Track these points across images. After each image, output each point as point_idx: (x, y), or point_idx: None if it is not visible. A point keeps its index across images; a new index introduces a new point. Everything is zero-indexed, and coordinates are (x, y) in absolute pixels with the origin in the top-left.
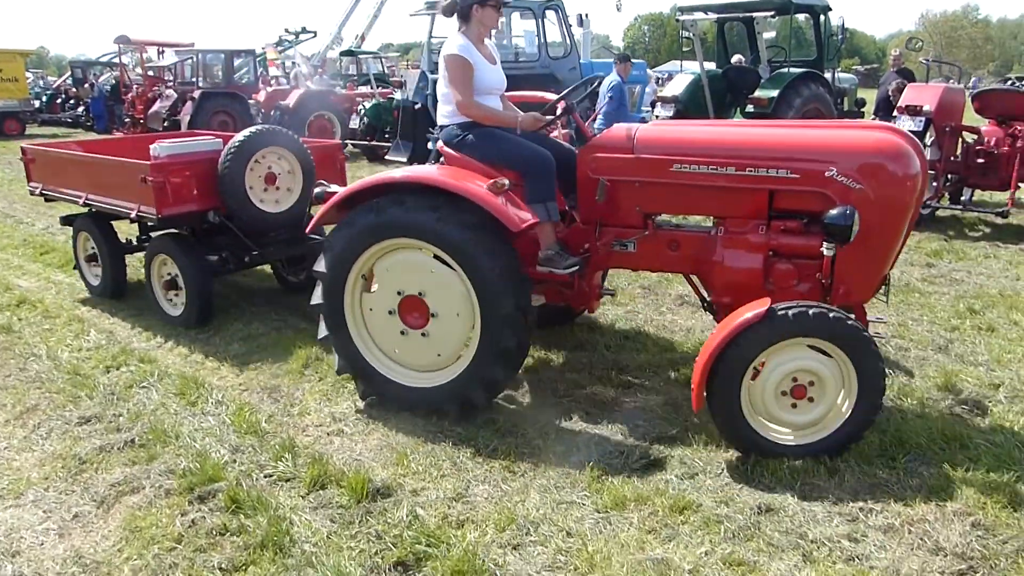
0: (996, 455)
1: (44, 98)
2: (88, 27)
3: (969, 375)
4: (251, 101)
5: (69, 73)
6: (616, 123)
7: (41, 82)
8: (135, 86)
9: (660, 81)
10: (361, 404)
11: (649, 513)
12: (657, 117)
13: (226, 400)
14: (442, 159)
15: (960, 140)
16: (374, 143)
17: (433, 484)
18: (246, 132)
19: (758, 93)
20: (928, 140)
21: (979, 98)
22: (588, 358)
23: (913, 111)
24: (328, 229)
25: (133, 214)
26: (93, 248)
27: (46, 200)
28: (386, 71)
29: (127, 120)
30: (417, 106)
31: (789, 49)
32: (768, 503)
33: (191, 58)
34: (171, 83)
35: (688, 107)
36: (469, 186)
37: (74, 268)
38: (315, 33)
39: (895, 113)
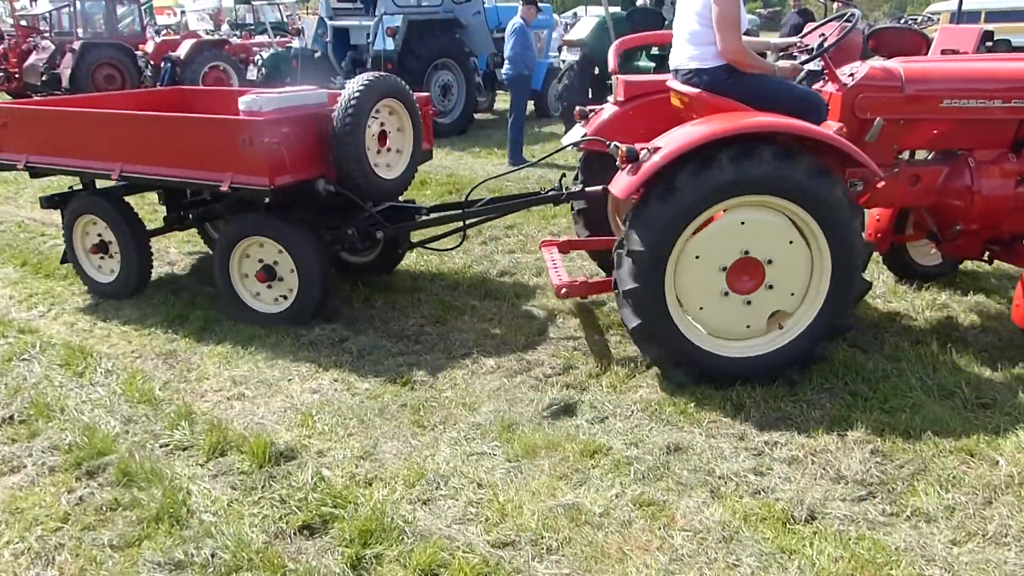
0: (894, 384)
1: None
2: None
3: (867, 306)
4: (138, 52)
5: None
6: (521, 67)
7: None
8: (7, 37)
9: (567, 26)
10: (263, 366)
11: (560, 459)
12: (564, 62)
13: (117, 369)
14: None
15: None
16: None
17: (339, 444)
18: (365, 79)
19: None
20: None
21: (875, 37)
22: (498, 307)
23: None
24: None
25: (225, 186)
26: (100, 235)
27: (32, 176)
28: (284, 19)
29: (0, 74)
30: (317, 54)
31: None
32: (677, 442)
33: (68, 6)
34: (47, 33)
35: (594, 50)
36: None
37: (63, 262)
38: None
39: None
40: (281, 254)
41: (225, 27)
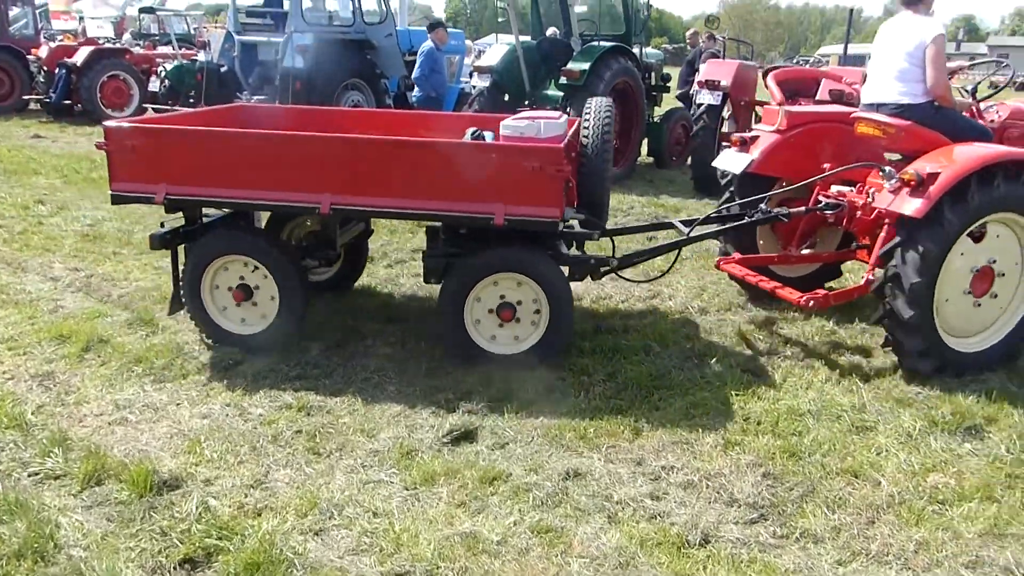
0: (785, 408)
1: None
2: None
3: (761, 332)
4: (30, 57)
5: None
6: (429, 90)
7: None
8: None
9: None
10: (150, 389)
11: (459, 486)
12: (475, 87)
13: None
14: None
15: (754, 114)
16: (176, 107)
17: (229, 472)
18: (602, 102)
19: (571, 66)
20: (726, 113)
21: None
22: (402, 332)
23: (712, 85)
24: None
25: (498, 218)
26: (243, 278)
27: (171, 210)
28: (191, 31)
29: None
30: (223, 68)
31: (600, 23)
32: (576, 467)
33: None
34: None
35: (504, 77)
36: None
37: (172, 312)
38: None
39: (695, 88)
40: (527, 290)
41: (127, 36)
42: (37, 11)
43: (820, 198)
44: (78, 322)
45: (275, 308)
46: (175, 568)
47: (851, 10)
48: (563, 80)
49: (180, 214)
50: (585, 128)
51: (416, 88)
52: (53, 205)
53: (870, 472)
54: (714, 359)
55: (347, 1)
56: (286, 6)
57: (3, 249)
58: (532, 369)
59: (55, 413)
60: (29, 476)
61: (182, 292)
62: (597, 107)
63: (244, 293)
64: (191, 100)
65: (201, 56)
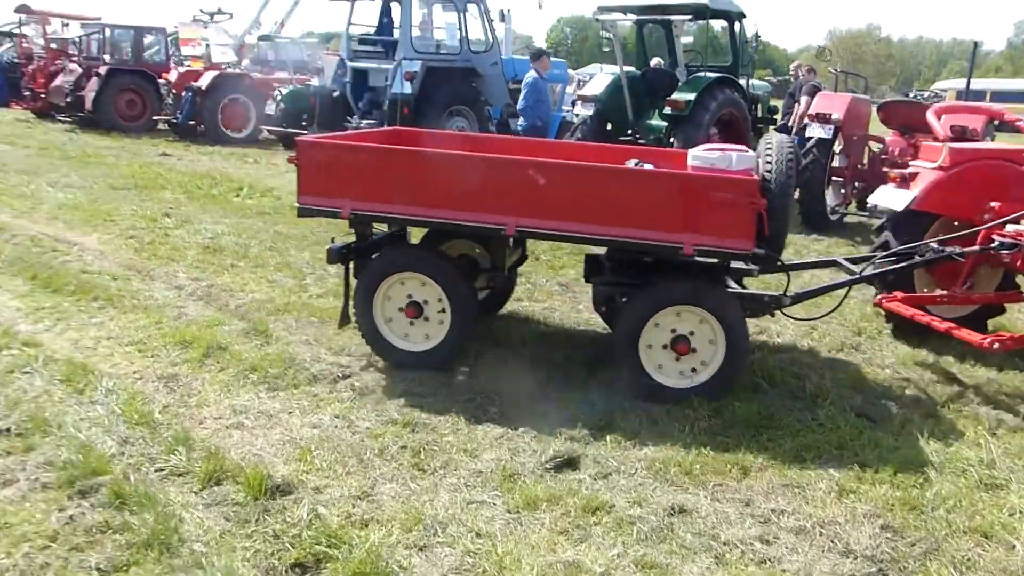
0: (904, 457)
1: None
2: None
3: (875, 376)
4: (161, 81)
5: None
6: (535, 119)
7: None
8: (36, 59)
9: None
10: (264, 396)
11: (561, 513)
12: (577, 116)
13: (117, 388)
14: None
15: (867, 149)
16: (289, 130)
17: (337, 482)
18: (784, 140)
19: (675, 96)
20: (837, 148)
21: (884, 109)
22: (503, 354)
23: (823, 119)
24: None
25: (687, 248)
26: (412, 295)
27: (353, 226)
28: (305, 58)
29: (27, 94)
30: (335, 93)
31: (705, 54)
32: (681, 504)
33: (98, 32)
34: (75, 57)
35: (607, 107)
36: None
37: (342, 325)
38: (231, 15)
39: (805, 121)
40: (703, 324)
41: (246, 62)
42: (168, 38)
43: (995, 238)
44: (199, 329)
45: (446, 326)
46: (287, 571)
47: (975, 43)
48: (667, 110)
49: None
50: (768, 163)
51: (522, 118)
52: (178, 218)
53: (1002, 534)
54: (827, 400)
55: (454, 30)
56: (396, 35)
57: (134, 258)
58: (634, 399)
59: (179, 414)
60: (155, 471)
61: (352, 307)
62: (779, 144)
63: (415, 310)
64: (303, 123)
65: (315, 81)
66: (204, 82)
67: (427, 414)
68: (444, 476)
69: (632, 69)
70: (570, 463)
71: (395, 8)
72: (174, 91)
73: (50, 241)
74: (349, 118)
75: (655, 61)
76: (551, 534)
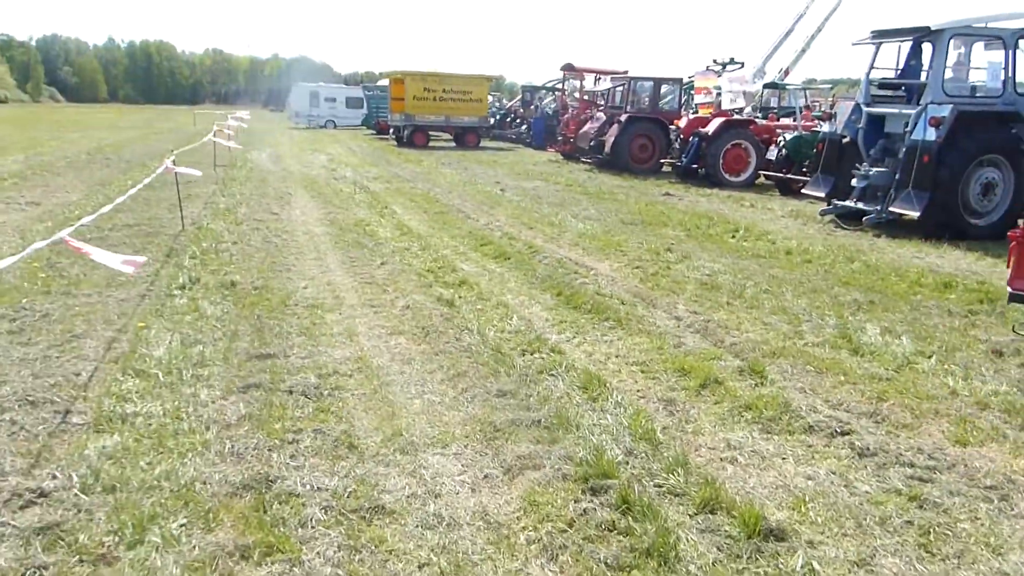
0: None
1: (497, 116)
2: (540, 57)
3: None
4: (672, 127)
5: (520, 96)
6: None
7: (497, 104)
8: (571, 109)
9: None
10: (757, 436)
11: None
12: None
13: (624, 403)
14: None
15: None
16: (789, 176)
17: (832, 540)
18: None
19: None
20: None
21: None
22: None
23: None
24: None
25: None
26: None
27: None
28: (809, 104)
29: (560, 138)
30: (846, 139)
31: None
32: None
33: (623, 85)
34: (603, 107)
35: None
36: None
37: None
38: (742, 64)
39: None
40: None
41: (748, 108)
42: (683, 87)
43: None
44: (696, 360)
45: None
46: None
47: None
48: None
49: None
50: None
51: None
52: (678, 253)
53: None
54: None
55: (998, 69)
56: (924, 77)
57: (640, 286)
58: None
59: (677, 437)
60: (655, 486)
61: None
62: None
63: None
64: (804, 170)
65: (825, 127)
66: (711, 128)
67: (939, 492)
68: (958, 567)
69: None
70: None
71: (925, 49)
72: (682, 136)
73: (572, 264)
74: (858, 165)
75: None
76: None
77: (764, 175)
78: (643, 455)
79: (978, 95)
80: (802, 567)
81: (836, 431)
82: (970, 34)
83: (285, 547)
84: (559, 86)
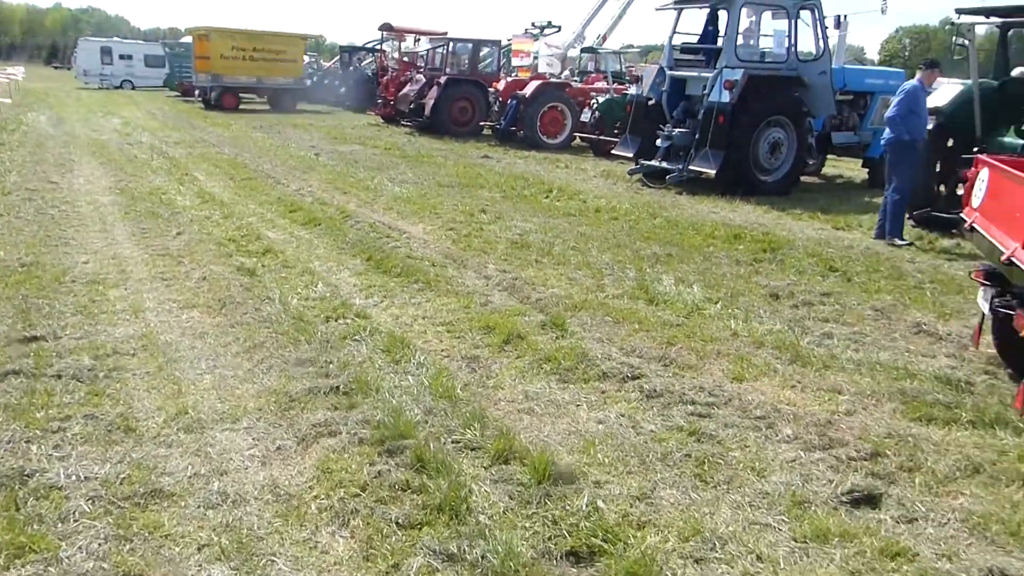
0: None
1: (314, 78)
2: (363, 17)
3: None
4: (491, 89)
5: (338, 58)
6: (903, 132)
7: (315, 65)
8: (391, 71)
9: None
10: (555, 387)
11: (855, 552)
12: None
13: (427, 363)
14: None
15: None
16: (601, 137)
17: (617, 479)
18: None
19: None
20: None
21: None
22: (803, 375)
23: None
24: None
25: None
26: None
27: None
28: (623, 70)
29: (379, 101)
30: (651, 102)
31: None
32: (1002, 567)
33: (443, 46)
34: (422, 69)
35: (952, 120)
36: None
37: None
38: (560, 28)
39: None
40: None
41: (566, 72)
42: (502, 50)
43: None
44: (502, 317)
45: None
46: (562, 557)
47: None
48: None
49: None
50: None
51: (888, 128)
52: (492, 215)
53: None
54: None
55: (783, 36)
56: (720, 43)
57: (452, 248)
58: (953, 442)
59: (477, 392)
60: (452, 442)
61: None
62: None
63: None
64: (615, 131)
65: (632, 90)
66: (528, 90)
67: (715, 425)
68: (728, 492)
69: (987, 80)
70: (870, 500)
71: (721, 16)
72: (501, 99)
73: (384, 228)
74: (662, 127)
75: (1018, 71)
76: (841, 572)
77: (580, 137)
78: (442, 413)
79: (767, 60)
80: (587, 505)
81: (628, 376)
82: (759, 3)
83: (39, 546)
84: (379, 47)
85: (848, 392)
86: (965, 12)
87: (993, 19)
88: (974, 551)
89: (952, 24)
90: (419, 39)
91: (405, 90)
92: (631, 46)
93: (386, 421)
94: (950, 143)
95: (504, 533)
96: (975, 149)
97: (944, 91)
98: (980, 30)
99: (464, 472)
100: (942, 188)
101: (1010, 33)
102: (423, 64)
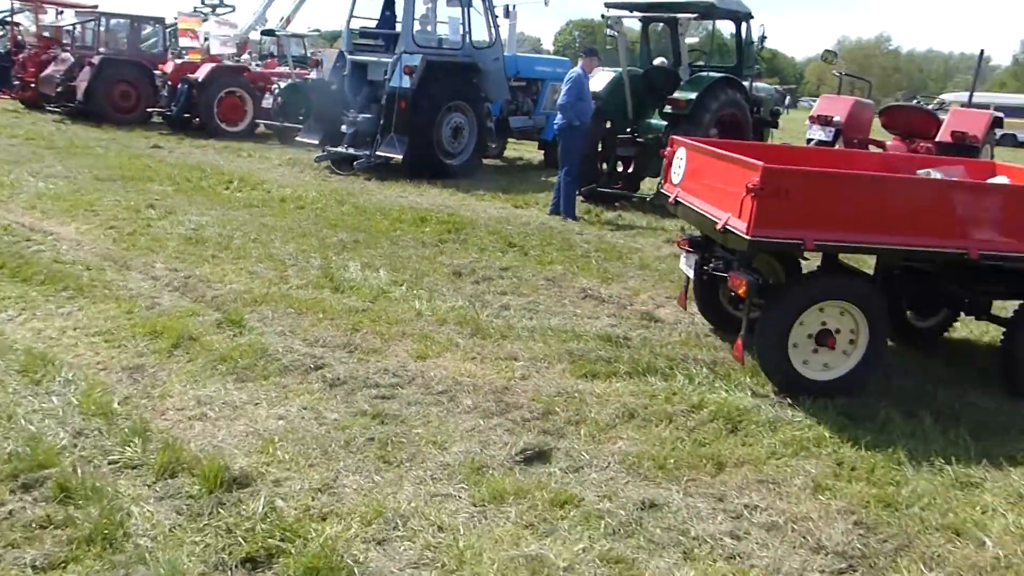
0: (882, 455)
1: None
2: None
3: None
4: (157, 72)
5: None
6: (572, 117)
7: None
8: (28, 47)
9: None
10: (231, 387)
11: (528, 507)
12: None
13: (77, 379)
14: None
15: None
16: (285, 124)
17: (298, 474)
18: None
19: (677, 95)
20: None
21: (886, 114)
22: (482, 347)
23: (824, 121)
24: None
25: None
26: (825, 323)
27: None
28: (307, 54)
29: (16, 83)
30: (333, 87)
31: (711, 55)
32: (652, 498)
33: (94, 21)
34: (68, 46)
35: (608, 104)
36: None
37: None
38: (233, 8)
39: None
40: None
41: (245, 56)
42: (167, 29)
43: None
44: (171, 319)
45: (859, 355)
46: (236, 566)
47: (981, 51)
48: (668, 109)
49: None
50: None
51: (559, 115)
52: (162, 209)
53: (974, 531)
54: (809, 397)
55: (457, 25)
56: (398, 28)
57: (112, 248)
58: (613, 392)
59: (140, 405)
60: (109, 464)
61: (757, 334)
62: None
63: (827, 338)
64: (300, 118)
65: (313, 75)
66: (201, 74)
67: (398, 405)
68: (410, 469)
69: (635, 68)
70: (541, 456)
71: (398, 2)
72: (170, 83)
73: (23, 231)
74: (346, 112)
75: (659, 60)
76: (516, 528)
77: (263, 124)
78: (95, 433)
79: (444, 47)
80: (263, 507)
81: (311, 367)
82: None
83: None
84: (10, 19)
85: (523, 358)
86: (613, 6)
87: (636, 13)
88: (631, 488)
89: (603, 16)
90: (62, 12)
91: (49, 71)
92: (318, 30)
93: (20, 452)
94: (608, 124)
95: (168, 553)
96: (627, 130)
97: (600, 77)
98: (629, 23)
99: (122, 495)
100: (604, 166)
101: (650, 27)
102: (70, 41)
